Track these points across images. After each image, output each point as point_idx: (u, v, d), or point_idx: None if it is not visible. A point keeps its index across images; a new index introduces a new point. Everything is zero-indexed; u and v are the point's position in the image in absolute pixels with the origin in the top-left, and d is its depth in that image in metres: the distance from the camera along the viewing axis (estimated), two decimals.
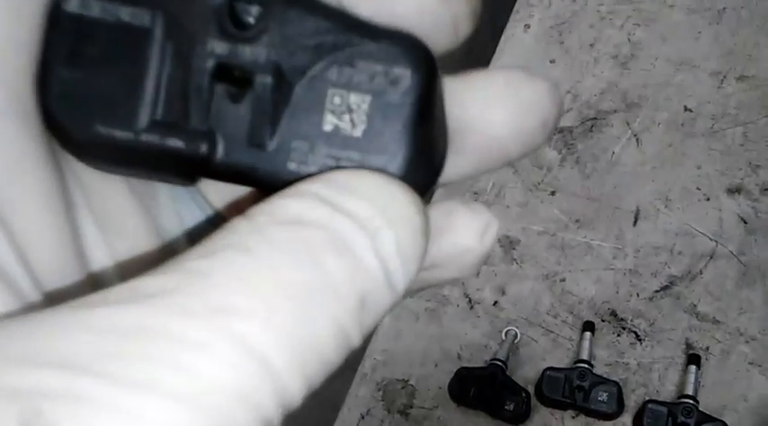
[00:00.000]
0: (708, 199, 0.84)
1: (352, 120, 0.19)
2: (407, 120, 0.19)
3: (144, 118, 0.19)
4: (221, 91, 0.19)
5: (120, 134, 0.19)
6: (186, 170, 0.20)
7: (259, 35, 0.19)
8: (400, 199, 0.17)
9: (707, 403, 0.74)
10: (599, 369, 0.78)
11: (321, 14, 0.19)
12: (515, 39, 0.97)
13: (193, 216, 0.23)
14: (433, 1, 0.20)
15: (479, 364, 0.80)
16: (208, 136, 0.19)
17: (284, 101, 0.19)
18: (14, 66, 0.18)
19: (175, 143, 0.19)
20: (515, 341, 0.81)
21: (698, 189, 0.85)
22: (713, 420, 0.72)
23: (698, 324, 0.79)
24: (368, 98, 0.19)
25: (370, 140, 0.19)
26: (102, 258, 0.20)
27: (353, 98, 0.19)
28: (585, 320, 0.80)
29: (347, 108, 0.19)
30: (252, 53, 0.19)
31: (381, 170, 0.19)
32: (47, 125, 0.19)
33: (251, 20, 0.19)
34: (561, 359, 0.79)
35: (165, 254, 0.21)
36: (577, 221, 0.85)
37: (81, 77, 0.19)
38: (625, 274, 0.82)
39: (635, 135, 0.89)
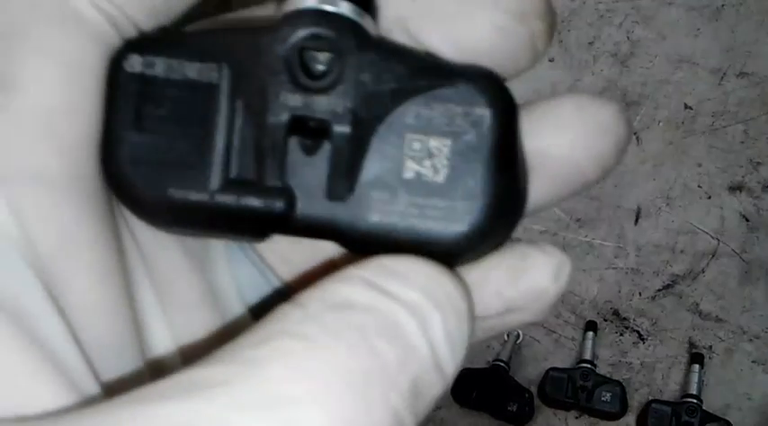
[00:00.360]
0: (709, 197, 0.84)
1: (433, 166, 0.19)
2: (491, 161, 0.18)
3: (217, 177, 0.18)
4: (295, 143, 0.19)
5: (195, 196, 0.18)
6: (262, 227, 0.19)
7: (333, 84, 0.18)
8: (445, 284, 0.17)
9: (710, 403, 0.74)
10: (602, 369, 0.77)
11: (395, 58, 0.19)
12: None
13: (248, 276, 0.23)
14: (510, 20, 0.19)
15: (482, 365, 0.79)
16: (284, 192, 0.19)
17: (362, 150, 0.19)
18: (72, 134, 0.18)
19: (252, 202, 0.18)
20: (518, 342, 0.80)
21: (699, 187, 0.85)
22: (717, 419, 0.72)
23: (701, 323, 0.78)
24: (448, 141, 0.19)
25: (453, 185, 0.19)
26: (160, 330, 0.20)
27: (433, 142, 0.19)
28: (588, 320, 0.79)
29: (428, 153, 0.19)
30: (327, 103, 0.18)
31: (468, 215, 0.18)
32: (114, 190, 0.19)
33: (324, 69, 0.18)
34: (564, 360, 0.79)
35: (223, 325, 0.21)
36: (578, 220, 0.84)
37: (149, 140, 0.18)
38: (627, 273, 0.81)
39: (635, 133, 0.89)
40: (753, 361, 0.76)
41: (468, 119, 0.19)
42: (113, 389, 0.18)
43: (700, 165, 0.86)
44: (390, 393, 0.15)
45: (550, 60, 0.95)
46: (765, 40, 0.91)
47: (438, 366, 0.16)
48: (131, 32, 0.18)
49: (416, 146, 0.19)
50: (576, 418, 0.77)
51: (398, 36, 0.20)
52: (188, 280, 0.21)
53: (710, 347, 0.77)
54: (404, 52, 0.19)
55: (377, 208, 0.19)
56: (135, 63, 0.18)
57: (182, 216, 0.19)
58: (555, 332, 0.81)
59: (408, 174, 0.19)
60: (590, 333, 0.78)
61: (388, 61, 0.18)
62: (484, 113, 0.18)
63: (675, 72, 0.91)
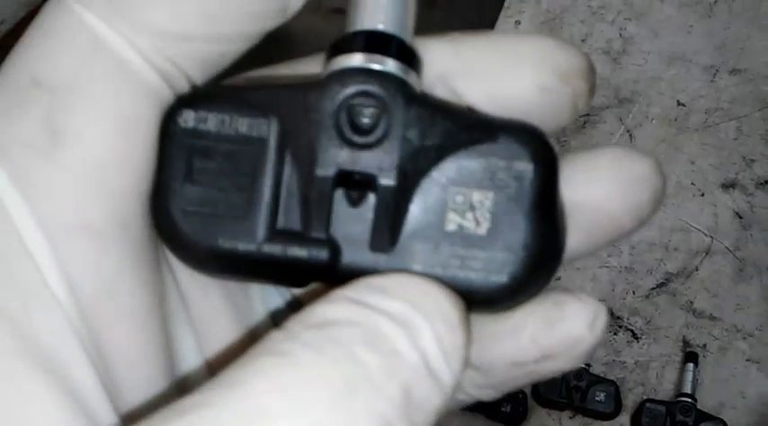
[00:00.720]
0: (702, 195, 0.83)
1: (475, 218, 0.19)
2: (532, 214, 0.19)
3: (264, 228, 0.19)
4: (340, 194, 0.19)
5: (242, 246, 0.19)
6: (306, 277, 0.20)
7: (380, 140, 0.19)
8: (433, 294, 0.17)
9: (705, 401, 0.73)
10: (596, 369, 0.77)
11: (440, 114, 0.19)
12: (506, 32, 0.96)
13: (274, 300, 0.23)
14: (554, 80, 0.20)
15: None
16: (329, 243, 0.19)
17: (406, 203, 0.19)
18: (121, 185, 0.18)
19: (297, 253, 0.19)
20: None
21: (692, 184, 0.84)
22: (712, 418, 0.72)
23: (695, 321, 0.78)
24: (491, 195, 0.19)
25: (495, 237, 0.19)
26: (192, 361, 0.21)
27: (476, 196, 0.19)
28: None
29: (470, 206, 0.19)
30: (374, 158, 0.19)
31: (508, 266, 0.19)
32: (163, 240, 0.20)
33: (371, 124, 0.19)
34: None
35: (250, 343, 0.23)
36: None
37: (199, 191, 0.19)
38: (620, 272, 0.81)
39: (628, 130, 0.88)
40: (747, 360, 0.76)
41: (510, 172, 0.19)
42: (135, 414, 0.18)
43: (693, 163, 0.85)
44: (377, 401, 0.15)
45: None
46: (758, 37, 0.91)
47: (432, 375, 0.16)
48: (184, 86, 0.19)
49: (459, 198, 0.19)
50: (571, 418, 0.76)
51: (441, 91, 0.20)
52: (224, 316, 0.21)
53: (704, 345, 0.77)
54: (448, 108, 0.19)
55: (419, 259, 0.19)
56: (188, 118, 0.19)
57: (229, 265, 0.19)
58: None
59: (451, 226, 0.19)
60: None
61: (433, 117, 0.19)
62: (526, 168, 0.19)
63: (668, 69, 0.91)
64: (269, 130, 0.19)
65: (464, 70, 0.20)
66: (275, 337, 0.16)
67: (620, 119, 0.89)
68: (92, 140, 0.18)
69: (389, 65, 0.19)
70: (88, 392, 0.17)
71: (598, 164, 0.21)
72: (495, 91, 0.20)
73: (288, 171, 0.19)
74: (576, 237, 0.21)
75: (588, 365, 0.76)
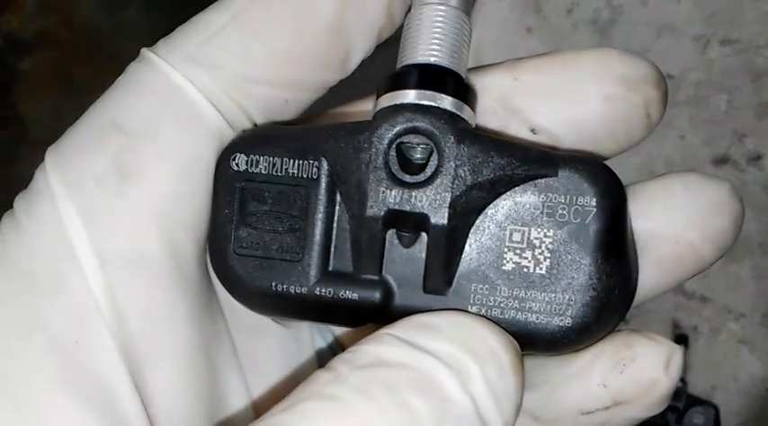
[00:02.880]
0: (693, 171, 0.81)
1: (534, 257, 0.18)
2: (596, 253, 0.18)
3: (316, 271, 0.19)
4: (392, 234, 0.19)
5: (295, 289, 0.19)
6: (359, 318, 0.19)
7: (431, 178, 0.18)
8: (483, 335, 0.17)
9: (696, 384, 0.72)
10: None
11: (495, 149, 0.18)
12: (489, 6, 0.93)
13: (320, 341, 0.23)
14: (620, 89, 0.19)
15: None
16: (382, 285, 0.19)
17: (460, 242, 0.18)
18: (177, 220, 0.19)
19: (349, 295, 0.19)
20: None
21: (682, 160, 0.82)
22: (703, 402, 0.70)
23: (685, 303, 0.76)
24: (550, 233, 0.18)
25: (556, 277, 0.18)
26: (238, 403, 0.21)
27: (535, 233, 0.18)
28: None
29: (528, 244, 0.18)
30: (425, 197, 0.18)
31: (571, 309, 0.18)
32: (220, 280, 0.20)
33: (422, 162, 0.18)
34: None
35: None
36: None
37: (253, 234, 0.19)
38: None
39: None
40: (739, 341, 0.74)
41: (571, 209, 0.18)
42: None
43: (682, 138, 0.83)
44: None
45: (527, 30, 0.91)
46: (750, 6, 0.88)
47: (482, 419, 0.16)
48: (249, 125, 0.20)
49: (516, 237, 0.18)
50: None
51: (501, 114, 0.20)
52: (274, 363, 0.21)
53: (695, 327, 0.75)
54: (504, 142, 0.18)
55: (476, 301, 0.18)
56: (240, 161, 0.19)
57: (282, 306, 0.20)
58: None
59: (508, 266, 0.18)
60: None
61: (487, 152, 0.18)
62: (589, 202, 0.18)
63: (657, 40, 0.88)
64: (319, 172, 0.19)
65: (525, 90, 0.20)
66: (322, 378, 0.16)
67: None
68: (154, 177, 0.19)
69: (441, 100, 0.18)
70: (134, 423, 0.18)
71: (672, 193, 0.20)
72: (559, 107, 0.19)
73: (339, 212, 0.19)
74: (652, 273, 0.20)
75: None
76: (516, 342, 0.18)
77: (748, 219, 0.78)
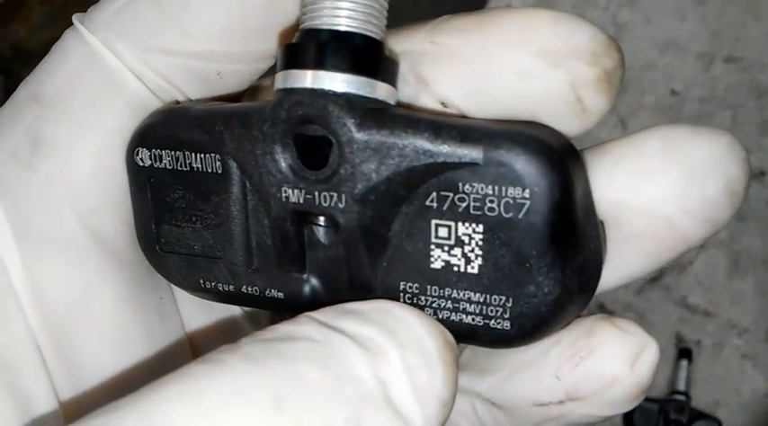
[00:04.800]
0: None
1: (465, 255, 0.16)
2: (535, 249, 0.15)
3: (240, 268, 0.18)
4: (311, 232, 0.17)
5: (223, 287, 0.18)
6: (290, 311, 0.18)
7: (335, 172, 0.16)
8: (410, 322, 0.15)
9: (699, 399, 0.72)
10: None
11: (407, 132, 0.15)
12: None
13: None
14: (540, 64, 0.15)
15: None
16: (307, 283, 0.18)
17: (381, 240, 0.16)
18: (99, 196, 0.18)
19: (275, 294, 0.18)
20: None
21: None
22: (706, 417, 0.70)
23: (689, 317, 0.76)
24: (479, 228, 0.15)
25: (489, 277, 0.16)
26: None
27: (462, 229, 0.16)
28: None
29: (457, 241, 0.16)
30: (329, 196, 0.16)
31: (508, 310, 0.16)
32: (155, 269, 0.19)
33: (321, 156, 0.16)
34: None
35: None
36: None
37: (174, 231, 0.18)
38: None
39: (621, 119, 0.86)
40: (742, 356, 0.74)
41: (500, 201, 0.15)
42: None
43: None
44: (310, 421, 0.14)
45: None
46: (753, 24, 0.89)
47: (394, 410, 0.14)
48: (180, 98, 0.18)
49: (443, 232, 0.16)
50: None
51: (413, 84, 0.16)
52: (221, 339, 0.20)
53: (699, 341, 0.75)
54: (420, 123, 0.15)
55: (406, 300, 0.17)
56: (144, 157, 0.18)
57: (218, 298, 0.19)
58: None
59: (437, 264, 0.16)
60: None
61: (398, 138, 0.15)
62: (519, 195, 0.15)
63: (662, 56, 0.89)
64: (223, 166, 0.17)
65: (438, 56, 0.16)
66: (222, 348, 0.15)
67: (613, 108, 0.86)
68: (67, 149, 0.18)
69: (339, 81, 0.15)
70: (37, 396, 0.17)
71: (645, 152, 0.15)
72: (468, 79, 0.16)
73: (253, 210, 0.17)
74: (625, 255, 0.16)
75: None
76: (449, 334, 0.16)
77: (752, 234, 0.78)
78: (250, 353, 0.14)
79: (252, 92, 0.19)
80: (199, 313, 0.21)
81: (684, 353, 0.74)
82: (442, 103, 0.16)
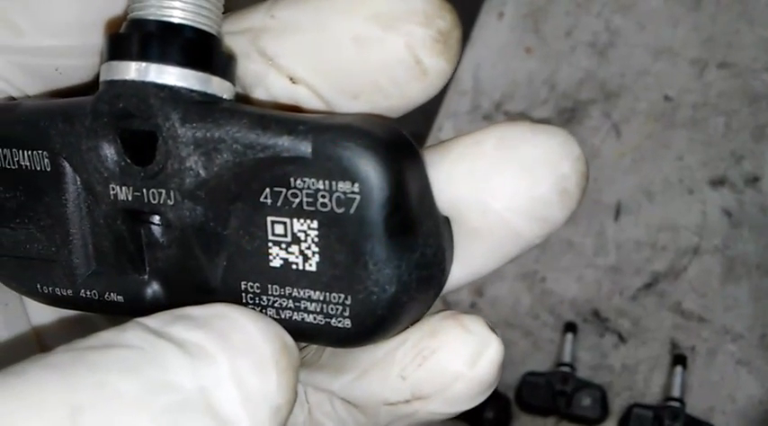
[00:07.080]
0: (691, 192, 0.81)
1: (302, 253, 0.15)
2: (368, 242, 0.15)
3: (79, 271, 0.17)
4: (149, 232, 0.17)
5: (61, 292, 0.17)
6: (132, 315, 0.17)
7: (162, 168, 0.15)
8: (244, 326, 0.15)
9: (694, 405, 0.71)
10: (582, 373, 0.74)
11: (233, 126, 0.15)
12: (489, 27, 0.94)
13: None
14: (374, 29, 0.15)
15: None
16: (148, 285, 0.17)
17: (217, 238, 0.16)
18: None
19: (115, 298, 0.17)
20: None
21: (680, 181, 0.82)
22: (701, 423, 0.69)
23: (683, 323, 0.76)
24: (314, 224, 0.15)
25: (327, 275, 0.15)
26: None
27: (298, 226, 0.15)
28: (567, 321, 0.76)
29: (293, 238, 0.15)
30: (157, 193, 0.16)
31: (347, 309, 0.15)
32: None
33: (147, 152, 0.16)
34: (542, 363, 0.76)
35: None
36: None
37: (8, 233, 0.17)
38: (607, 271, 0.78)
39: (614, 125, 0.86)
40: (737, 362, 0.74)
41: (332, 196, 0.15)
42: None
43: (681, 159, 0.83)
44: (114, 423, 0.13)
45: (526, 51, 0.91)
46: (746, 30, 0.89)
47: (214, 413, 0.14)
48: (16, 94, 0.18)
49: (279, 229, 0.15)
50: (556, 424, 0.74)
51: (258, 61, 0.16)
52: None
53: (693, 348, 0.75)
54: (244, 115, 0.15)
55: (248, 300, 0.16)
56: None
57: (57, 303, 0.18)
58: (532, 334, 0.77)
59: (276, 262, 0.16)
60: (569, 335, 0.75)
61: (223, 132, 0.15)
62: (349, 189, 0.15)
63: (655, 63, 0.89)
64: (51, 163, 0.16)
65: (278, 30, 0.16)
66: (32, 358, 0.14)
67: (607, 115, 0.86)
68: None
69: (168, 73, 0.15)
70: None
71: (481, 151, 0.16)
72: (310, 51, 0.16)
73: (85, 209, 0.17)
74: (469, 249, 0.16)
75: (573, 368, 0.73)
76: (289, 337, 0.15)
77: (746, 240, 0.78)
78: (55, 362, 0.14)
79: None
80: (50, 312, 0.20)
81: (679, 359, 0.73)
82: (291, 79, 0.16)
